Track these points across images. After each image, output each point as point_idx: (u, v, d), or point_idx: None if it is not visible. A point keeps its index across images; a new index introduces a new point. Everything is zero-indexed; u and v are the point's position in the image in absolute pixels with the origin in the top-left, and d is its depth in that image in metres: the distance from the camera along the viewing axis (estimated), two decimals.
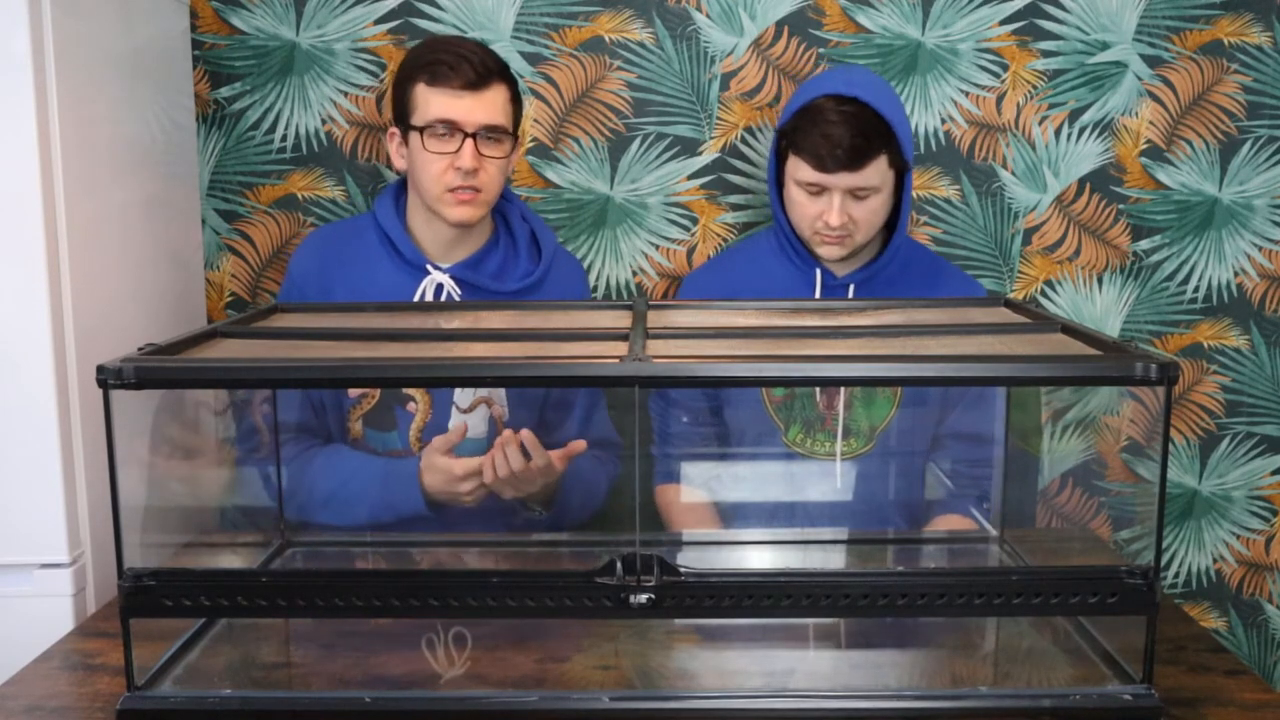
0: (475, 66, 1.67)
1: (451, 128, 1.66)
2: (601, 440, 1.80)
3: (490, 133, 1.68)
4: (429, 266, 1.73)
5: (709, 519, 1.81)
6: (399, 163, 1.75)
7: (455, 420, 1.73)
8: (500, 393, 1.76)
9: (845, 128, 1.65)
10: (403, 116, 1.71)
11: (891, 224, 1.79)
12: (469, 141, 1.66)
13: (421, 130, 1.67)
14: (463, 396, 1.73)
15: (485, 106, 1.67)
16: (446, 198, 1.68)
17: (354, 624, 1.30)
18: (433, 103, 1.67)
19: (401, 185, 1.80)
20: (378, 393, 1.73)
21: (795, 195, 1.74)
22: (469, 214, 1.69)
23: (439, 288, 1.73)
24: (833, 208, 1.69)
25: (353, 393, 1.73)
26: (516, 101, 1.74)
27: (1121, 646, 1.16)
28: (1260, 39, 2.07)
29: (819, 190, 1.71)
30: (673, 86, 2.07)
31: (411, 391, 1.72)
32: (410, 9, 2.03)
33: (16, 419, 1.46)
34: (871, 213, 1.72)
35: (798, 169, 1.71)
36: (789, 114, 1.74)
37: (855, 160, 1.66)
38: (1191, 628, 1.33)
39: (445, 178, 1.67)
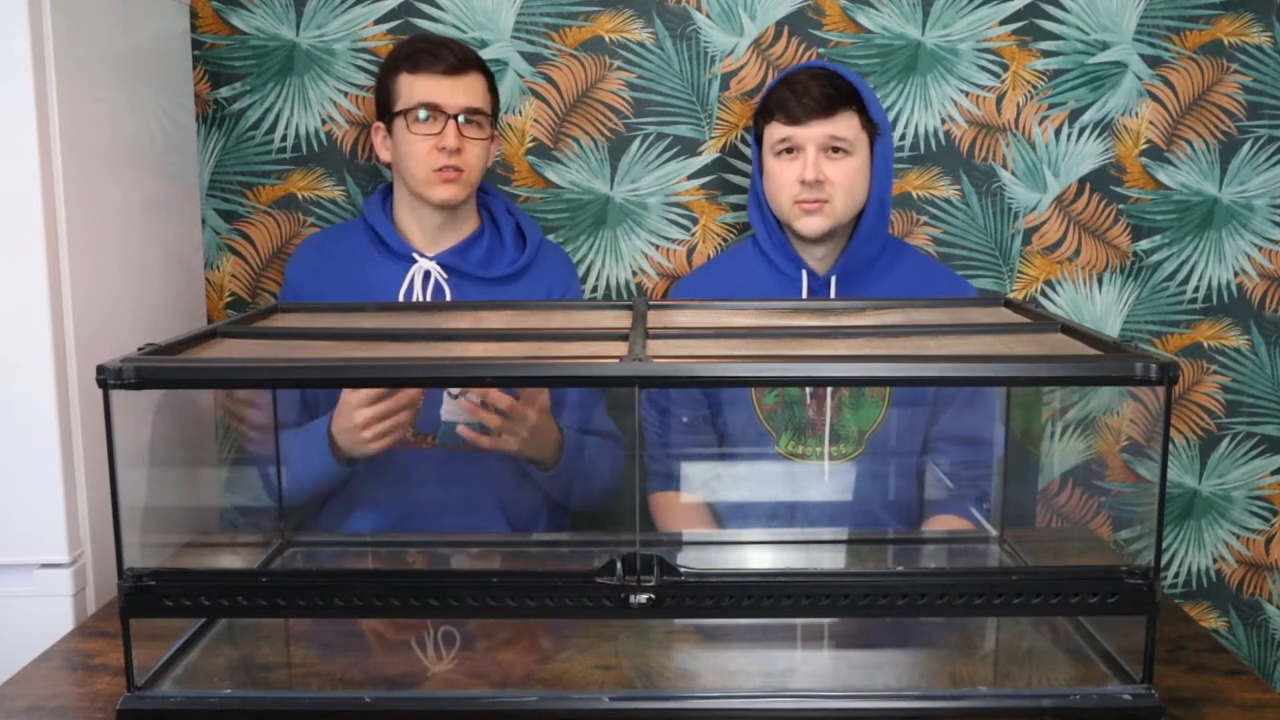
0: (455, 52, 1.76)
1: (434, 110, 1.73)
2: (600, 431, 1.81)
3: (471, 115, 1.75)
4: (415, 255, 1.78)
5: (703, 527, 1.81)
6: (384, 155, 1.82)
7: (447, 404, 1.75)
8: None
9: (815, 83, 1.72)
10: (387, 108, 1.78)
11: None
12: (451, 122, 1.73)
13: (405, 114, 1.74)
14: None
15: (466, 90, 1.75)
16: (432, 177, 1.74)
17: (354, 624, 1.30)
18: (416, 87, 1.74)
19: (388, 187, 1.86)
20: None
21: (773, 167, 1.77)
22: (453, 193, 1.75)
23: (426, 275, 1.78)
24: (807, 162, 1.72)
25: None
26: (494, 93, 1.82)
27: (1121, 646, 1.15)
28: (1260, 39, 2.07)
29: (794, 150, 1.74)
30: (673, 86, 2.07)
31: None
32: (410, 9, 2.03)
33: (16, 419, 1.46)
34: (847, 175, 1.74)
35: (773, 133, 1.76)
36: (763, 97, 1.80)
37: (826, 107, 1.71)
38: (1191, 628, 1.33)
39: (430, 158, 1.73)
